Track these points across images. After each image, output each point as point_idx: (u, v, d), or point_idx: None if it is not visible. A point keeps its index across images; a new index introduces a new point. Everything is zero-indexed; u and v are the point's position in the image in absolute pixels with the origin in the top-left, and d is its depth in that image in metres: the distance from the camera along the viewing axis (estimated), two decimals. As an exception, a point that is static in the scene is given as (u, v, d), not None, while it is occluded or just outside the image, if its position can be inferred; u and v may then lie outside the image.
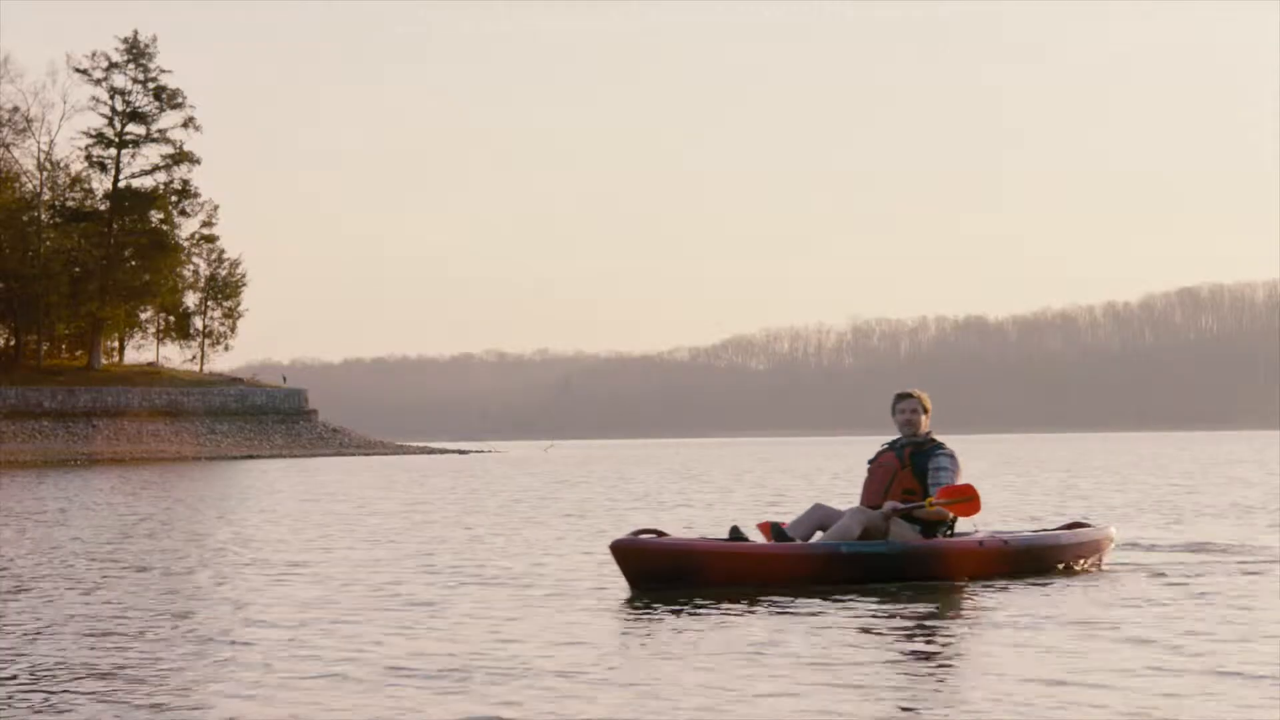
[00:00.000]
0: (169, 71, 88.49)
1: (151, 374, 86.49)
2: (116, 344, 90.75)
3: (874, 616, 8.80)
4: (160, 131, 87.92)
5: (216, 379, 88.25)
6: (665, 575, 10.03)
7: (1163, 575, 10.74)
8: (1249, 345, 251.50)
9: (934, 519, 10.53)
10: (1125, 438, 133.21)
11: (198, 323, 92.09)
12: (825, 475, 37.06)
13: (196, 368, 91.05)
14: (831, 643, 7.81)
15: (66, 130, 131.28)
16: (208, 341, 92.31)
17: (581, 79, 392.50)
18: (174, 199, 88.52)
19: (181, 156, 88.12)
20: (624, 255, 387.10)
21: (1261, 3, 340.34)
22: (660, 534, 10.27)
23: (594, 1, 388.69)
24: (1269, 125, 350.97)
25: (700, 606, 9.25)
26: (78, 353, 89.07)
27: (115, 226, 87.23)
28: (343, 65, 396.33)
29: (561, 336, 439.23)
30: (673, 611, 9.06)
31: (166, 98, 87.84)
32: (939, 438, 10.88)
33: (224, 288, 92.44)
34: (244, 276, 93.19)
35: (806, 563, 10.23)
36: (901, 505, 10.48)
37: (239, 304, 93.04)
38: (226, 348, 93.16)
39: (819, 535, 10.56)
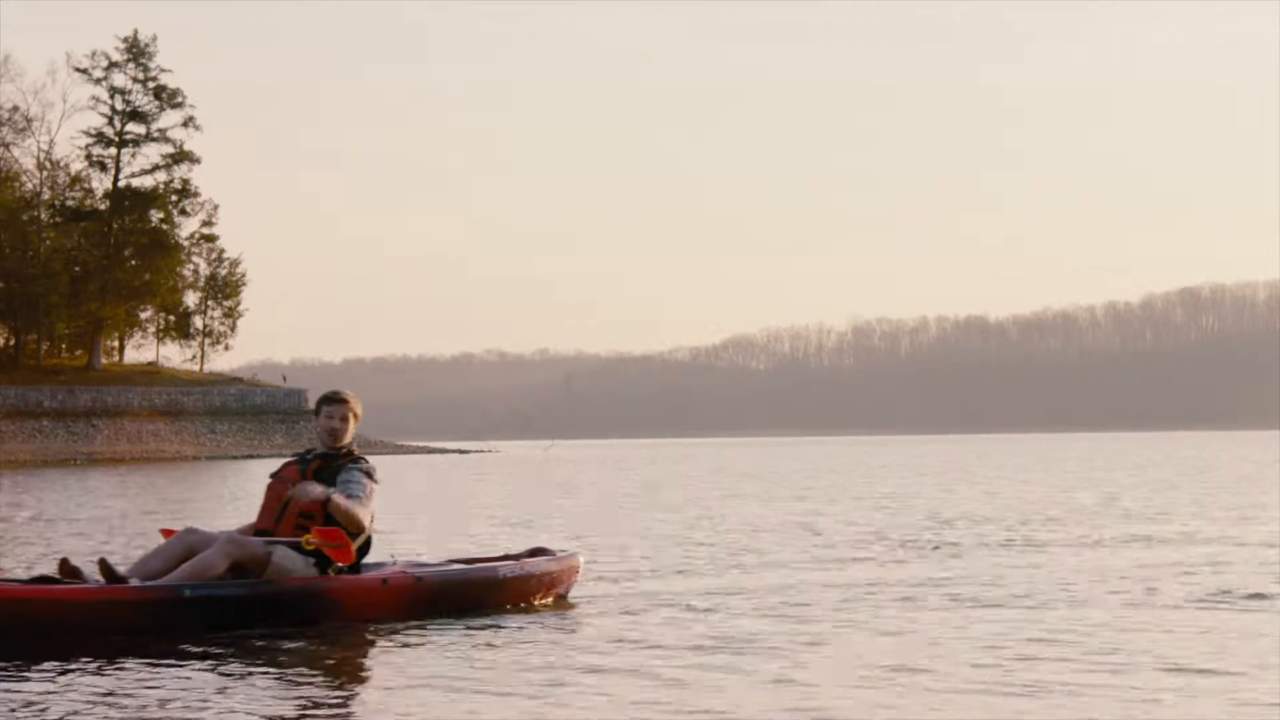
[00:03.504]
0: (169, 71, 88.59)
1: (151, 374, 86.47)
2: (116, 344, 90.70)
3: (202, 677, 7.16)
4: (160, 131, 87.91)
5: (216, 379, 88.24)
6: None
7: (626, 613, 9.29)
8: (1249, 345, 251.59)
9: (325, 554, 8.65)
10: (1125, 438, 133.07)
11: (198, 322, 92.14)
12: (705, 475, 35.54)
13: (196, 367, 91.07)
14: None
15: (66, 129, 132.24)
16: (208, 341, 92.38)
17: (581, 79, 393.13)
18: (174, 198, 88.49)
19: (181, 156, 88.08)
20: (624, 255, 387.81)
21: (1261, 3, 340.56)
22: None
23: (594, 1, 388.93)
24: (1269, 125, 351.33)
25: None
26: (78, 352, 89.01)
27: (115, 226, 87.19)
28: (343, 65, 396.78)
29: (562, 336, 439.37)
30: None
31: (166, 97, 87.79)
32: (359, 450, 9.06)
33: (224, 287, 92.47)
34: (244, 276, 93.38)
35: (136, 610, 8.05)
36: (285, 537, 8.61)
37: (239, 304, 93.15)
38: (226, 347, 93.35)
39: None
